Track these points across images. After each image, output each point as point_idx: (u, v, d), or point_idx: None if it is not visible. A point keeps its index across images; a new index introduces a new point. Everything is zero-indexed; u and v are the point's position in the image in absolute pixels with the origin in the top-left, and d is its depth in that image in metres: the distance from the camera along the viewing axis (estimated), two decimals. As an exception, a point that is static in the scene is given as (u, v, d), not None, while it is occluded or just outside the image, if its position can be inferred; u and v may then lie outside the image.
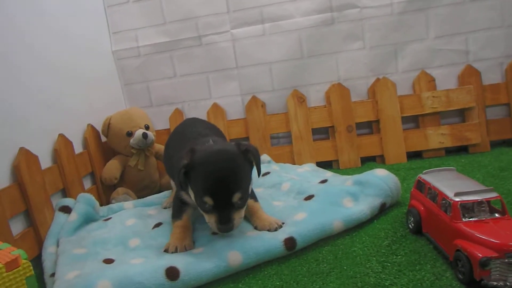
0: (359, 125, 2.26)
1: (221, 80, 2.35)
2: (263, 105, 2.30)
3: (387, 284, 1.06)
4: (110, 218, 1.72)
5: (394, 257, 1.19)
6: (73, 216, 1.64)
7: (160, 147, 2.23)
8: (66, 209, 1.68)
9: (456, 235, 1.07)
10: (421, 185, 1.34)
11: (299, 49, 2.24)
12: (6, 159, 1.51)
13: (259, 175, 1.37)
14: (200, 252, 1.27)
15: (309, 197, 1.59)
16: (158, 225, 1.61)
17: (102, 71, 2.31)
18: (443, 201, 1.17)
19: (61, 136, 1.81)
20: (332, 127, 2.26)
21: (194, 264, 1.18)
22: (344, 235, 1.37)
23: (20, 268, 0.96)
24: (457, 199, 1.10)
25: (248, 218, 1.46)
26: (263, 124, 2.31)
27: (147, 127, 2.11)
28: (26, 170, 1.54)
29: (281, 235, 1.30)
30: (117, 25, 2.36)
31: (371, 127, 2.28)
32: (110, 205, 1.86)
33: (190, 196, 1.38)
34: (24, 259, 0.99)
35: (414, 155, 2.21)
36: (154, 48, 2.35)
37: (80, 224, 1.64)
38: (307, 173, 1.98)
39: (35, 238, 1.55)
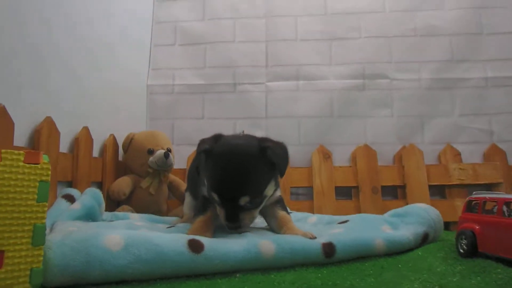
0: (384, 190, 2.18)
1: (249, 128, 2.34)
2: (287, 156, 2.25)
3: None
4: (115, 221, 1.51)
5: (455, 267, 1.02)
6: (76, 206, 1.42)
7: (175, 178, 2.10)
8: (70, 198, 1.48)
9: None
10: (471, 206, 1.24)
11: (329, 108, 2.30)
12: (31, 123, 1.40)
13: (281, 175, 1.21)
14: (227, 238, 1.08)
15: (344, 222, 1.43)
16: (171, 227, 1.41)
17: (132, 103, 2.31)
18: (506, 207, 1.07)
19: (85, 128, 1.71)
20: (356, 187, 2.18)
21: (221, 243, 0.99)
22: (386, 257, 1.17)
23: (38, 166, 0.79)
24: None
25: (276, 230, 1.28)
26: (285, 176, 2.21)
27: (169, 150, 2.01)
28: (45, 139, 1.41)
29: (319, 239, 1.12)
30: (157, 63, 2.45)
31: (395, 193, 2.20)
32: (115, 212, 1.65)
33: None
34: (47, 161, 0.83)
35: (440, 228, 2.09)
36: (188, 88, 2.40)
37: (81, 216, 1.41)
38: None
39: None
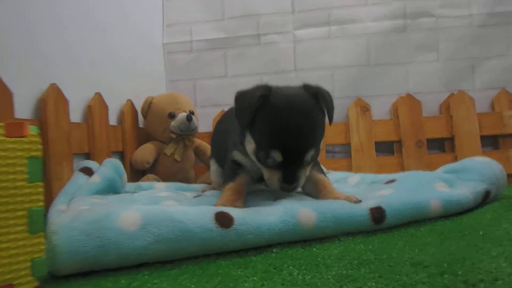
0: (430, 144, 1.97)
1: (276, 83, 2.14)
2: (321, 112, 2.06)
3: None
4: (138, 193, 1.40)
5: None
6: (96, 179, 1.31)
7: (201, 143, 1.96)
8: (88, 171, 1.36)
9: None
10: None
11: (366, 56, 2.06)
12: (34, 92, 1.27)
13: (330, 123, 1.09)
14: (261, 206, 0.94)
15: (391, 181, 1.26)
16: (198, 196, 1.28)
17: (149, 64, 2.14)
18: None
19: (98, 94, 1.57)
20: (399, 142, 1.97)
21: (254, 214, 0.85)
22: (443, 219, 1.01)
23: (25, 139, 0.64)
24: None
25: (314, 195, 1.12)
26: (318, 132, 2.03)
27: (192, 113, 1.85)
28: (52, 108, 1.28)
29: (366, 204, 0.96)
30: (172, 18, 2.25)
31: (443, 146, 1.99)
32: (140, 183, 1.54)
33: (246, 148, 1.08)
34: (35, 133, 0.67)
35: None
36: (208, 43, 2.21)
37: (102, 189, 1.29)
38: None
39: (45, 193, 1.22)
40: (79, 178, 1.33)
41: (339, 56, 2.08)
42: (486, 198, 1.15)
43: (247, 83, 2.15)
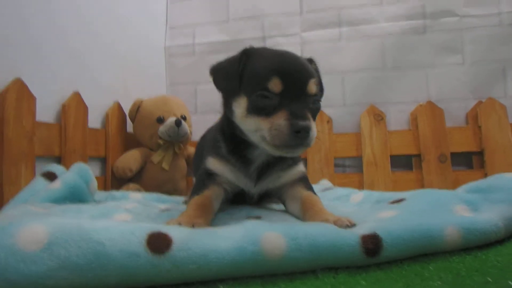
0: (455, 159, 1.72)
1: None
2: (329, 121, 1.85)
3: None
4: (106, 202, 1.23)
5: None
6: (56, 185, 1.13)
7: (193, 151, 1.78)
8: (51, 176, 1.18)
9: None
10: None
11: (380, 59, 1.85)
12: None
13: (322, 91, 0.98)
14: (215, 229, 0.71)
15: (399, 200, 1.01)
16: (166, 210, 1.09)
17: (149, 66, 2.01)
18: None
19: (76, 94, 1.43)
20: (418, 156, 1.73)
21: (202, 236, 0.64)
22: (462, 254, 0.75)
23: None
24: None
25: (300, 216, 0.92)
26: (327, 144, 1.82)
27: (183, 118, 1.68)
28: (12, 104, 1.13)
29: (357, 230, 0.73)
30: (176, 20, 2.11)
31: (470, 161, 1.73)
32: (112, 191, 1.36)
33: (235, 117, 0.90)
34: None
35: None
36: (211, 46, 2.05)
37: (62, 197, 1.10)
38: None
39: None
40: (38, 183, 1.16)
41: (351, 60, 1.87)
42: None
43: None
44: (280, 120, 0.79)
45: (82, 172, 1.22)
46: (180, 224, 0.75)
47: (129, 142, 1.73)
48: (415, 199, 0.97)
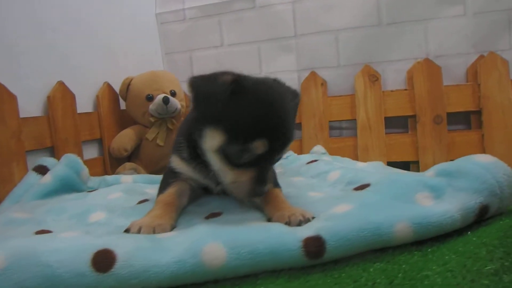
0: (452, 117, 1.66)
1: (275, 52, 1.91)
2: (324, 83, 1.81)
3: None
4: (96, 190, 1.30)
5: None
6: (47, 179, 1.23)
7: (189, 124, 1.81)
8: (42, 170, 1.28)
9: None
10: None
11: (375, 14, 1.74)
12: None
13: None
14: (165, 238, 0.75)
15: (362, 187, 1.01)
16: (143, 201, 1.15)
17: (141, 39, 2.00)
18: None
19: (60, 84, 1.45)
20: (414, 116, 1.69)
21: (144, 252, 0.68)
22: (411, 249, 0.77)
23: None
24: None
25: (261, 207, 0.94)
26: (321, 107, 1.80)
27: (173, 93, 1.70)
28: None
29: (301, 232, 0.75)
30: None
31: (468, 120, 1.68)
32: (105, 176, 1.43)
33: (203, 147, 0.88)
34: None
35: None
36: (201, 11, 2.00)
37: (54, 190, 1.22)
38: (371, 167, 1.42)
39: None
40: (31, 178, 1.25)
41: (345, 16, 1.78)
42: (483, 215, 0.85)
43: (244, 52, 1.99)
44: (245, 179, 0.82)
45: (72, 163, 1.29)
46: (140, 229, 0.80)
47: (124, 120, 1.77)
48: (381, 184, 0.97)
